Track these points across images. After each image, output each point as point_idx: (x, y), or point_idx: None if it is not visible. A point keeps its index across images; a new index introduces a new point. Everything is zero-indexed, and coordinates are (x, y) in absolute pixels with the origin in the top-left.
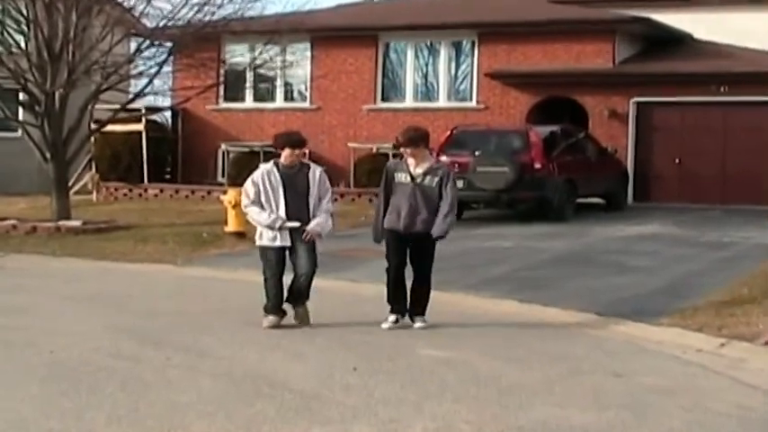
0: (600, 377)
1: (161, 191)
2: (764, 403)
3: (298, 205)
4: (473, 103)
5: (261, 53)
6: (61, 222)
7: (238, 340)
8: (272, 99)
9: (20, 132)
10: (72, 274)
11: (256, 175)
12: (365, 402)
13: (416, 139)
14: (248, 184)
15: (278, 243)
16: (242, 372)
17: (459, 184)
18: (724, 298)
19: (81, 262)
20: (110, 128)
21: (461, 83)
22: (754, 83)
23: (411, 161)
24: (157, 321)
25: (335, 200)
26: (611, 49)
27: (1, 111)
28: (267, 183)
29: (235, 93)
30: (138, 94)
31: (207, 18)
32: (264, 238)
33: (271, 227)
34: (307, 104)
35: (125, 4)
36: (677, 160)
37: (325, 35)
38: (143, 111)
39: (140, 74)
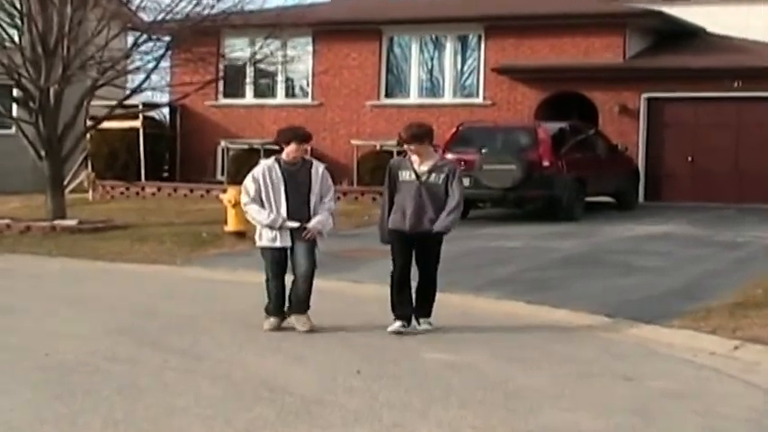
0: (610, 381)
1: (159, 189)
2: None
3: (299, 203)
4: (479, 99)
5: (261, 48)
6: (56, 222)
7: (238, 342)
8: (273, 95)
9: (14, 129)
10: (67, 275)
11: (257, 171)
12: (368, 407)
13: (420, 135)
14: (248, 180)
15: (278, 244)
16: (241, 375)
17: (466, 182)
18: (738, 299)
19: (76, 262)
20: (106, 125)
21: (467, 78)
22: None
23: (415, 158)
24: (155, 323)
25: (338, 198)
26: (622, 44)
27: None
28: (268, 179)
29: (234, 88)
30: (135, 90)
31: (206, 11)
32: (264, 238)
33: (271, 226)
34: (308, 100)
35: None
36: (690, 158)
37: (327, 29)
38: (140, 107)
39: (137, 69)
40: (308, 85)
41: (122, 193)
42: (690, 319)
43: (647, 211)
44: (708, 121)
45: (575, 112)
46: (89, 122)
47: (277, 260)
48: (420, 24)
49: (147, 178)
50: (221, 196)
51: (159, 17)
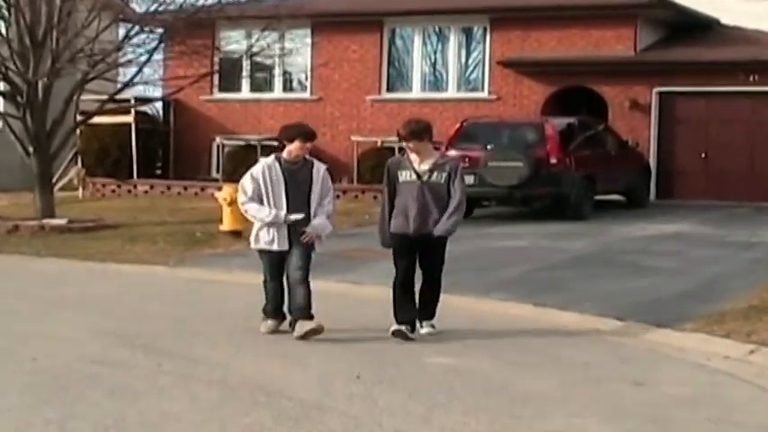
0: (619, 386)
1: (151, 187)
2: None
3: (299, 203)
4: (484, 94)
5: (258, 40)
6: (45, 220)
7: (234, 346)
8: (270, 89)
9: (0, 125)
10: (56, 276)
11: (256, 169)
12: (369, 412)
13: (420, 131)
14: (246, 179)
15: (275, 247)
16: (237, 379)
17: (470, 179)
18: (753, 302)
19: (66, 263)
20: (96, 120)
21: (472, 72)
22: None
23: (414, 157)
24: (148, 326)
25: (337, 196)
26: (633, 36)
27: None
28: (267, 178)
29: (230, 82)
30: (127, 84)
31: (200, 2)
32: (261, 241)
33: (274, 222)
34: (307, 95)
35: None
36: (703, 154)
37: (326, 20)
38: (132, 101)
39: (129, 62)
40: (306, 78)
41: (113, 190)
42: (703, 322)
43: (659, 209)
44: (722, 117)
45: (583, 107)
46: (79, 117)
47: (275, 263)
48: (423, 16)
49: (139, 175)
50: (216, 194)
51: (152, 8)
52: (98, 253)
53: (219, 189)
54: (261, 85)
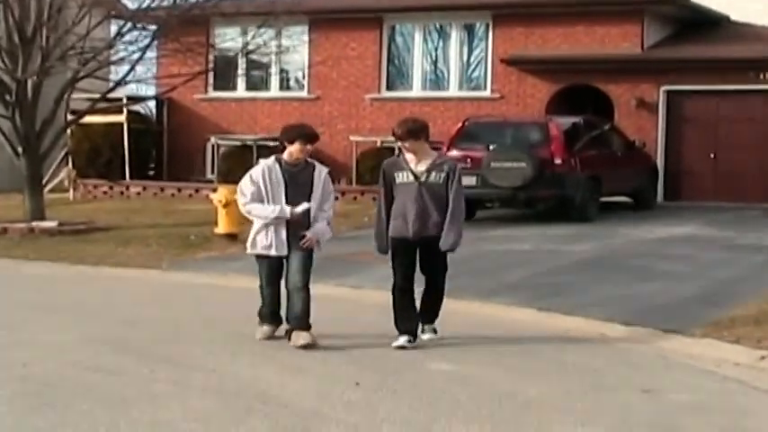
0: (626, 393)
1: (144, 188)
2: None
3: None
4: (487, 92)
5: (254, 37)
6: (35, 223)
7: (229, 352)
8: (267, 88)
9: None
10: (46, 280)
11: (255, 171)
12: (368, 421)
13: (416, 130)
14: (245, 181)
15: (273, 252)
16: (233, 387)
17: (472, 180)
18: (763, 306)
19: (56, 266)
20: (88, 119)
21: (474, 70)
22: None
23: (411, 157)
24: (140, 331)
25: (336, 198)
26: (640, 32)
27: None
28: (267, 180)
29: (225, 81)
30: (119, 83)
31: None
32: (258, 245)
33: (279, 218)
34: (304, 93)
35: None
36: (712, 154)
37: (324, 17)
38: (124, 100)
39: (121, 60)
40: (303, 77)
41: (105, 192)
42: (712, 327)
43: (666, 211)
44: (731, 116)
45: (589, 105)
46: (70, 117)
47: (273, 268)
48: (424, 12)
49: (131, 177)
50: (211, 196)
51: (145, 4)
52: (89, 256)
53: (214, 191)
54: (257, 83)
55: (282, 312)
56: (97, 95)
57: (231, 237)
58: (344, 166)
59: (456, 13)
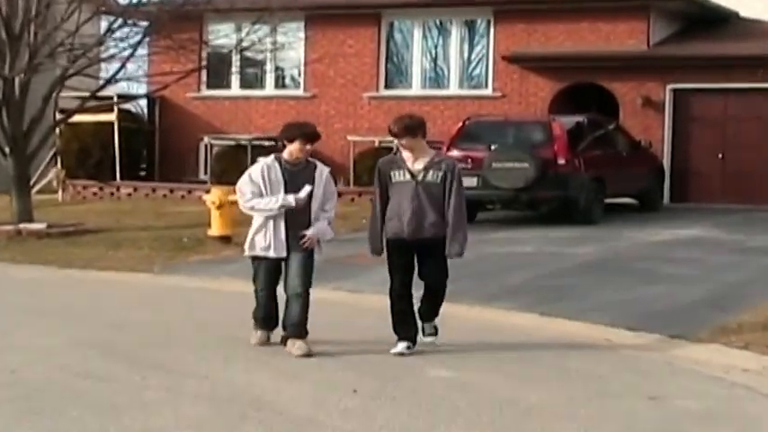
0: (631, 400)
1: (135, 190)
2: None
3: (299, 207)
4: (488, 91)
5: (248, 34)
6: (22, 225)
7: (222, 357)
8: (261, 86)
9: None
10: (34, 284)
11: (255, 171)
12: (366, 429)
13: (413, 127)
14: (245, 180)
15: (272, 254)
16: (226, 393)
17: (473, 181)
18: None
19: (45, 270)
20: (77, 118)
21: (475, 67)
22: None
23: (407, 155)
24: (131, 336)
25: None
26: (646, 29)
27: None
28: (267, 180)
29: (219, 79)
30: (110, 81)
31: None
32: (257, 247)
33: (283, 208)
34: (300, 92)
35: None
36: (720, 155)
37: (321, 13)
38: (115, 99)
39: (112, 57)
40: (299, 74)
41: (95, 193)
42: (720, 332)
43: (673, 213)
44: (740, 115)
45: (593, 104)
46: (58, 116)
47: (271, 271)
48: (423, 8)
49: (122, 177)
50: (204, 197)
51: (135, 0)
52: (79, 259)
53: (207, 192)
54: (251, 81)
55: (279, 313)
56: (87, 94)
57: (225, 239)
58: (341, 166)
59: (456, 9)
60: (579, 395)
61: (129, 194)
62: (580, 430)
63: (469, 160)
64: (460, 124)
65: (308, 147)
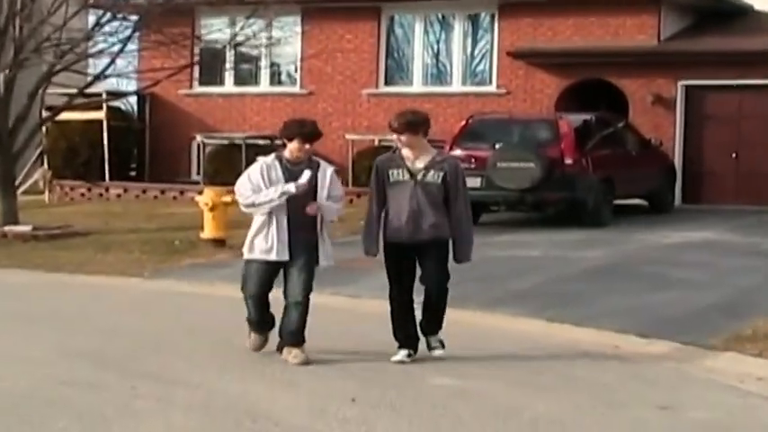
0: (641, 410)
1: (125, 190)
2: None
3: (301, 209)
4: (492, 88)
5: (243, 28)
6: (7, 227)
7: (216, 365)
8: (256, 82)
9: None
10: (20, 289)
11: (254, 171)
12: None
13: (416, 124)
14: (243, 181)
15: (273, 257)
16: (220, 402)
17: (477, 182)
18: None
19: (31, 274)
20: (64, 116)
21: (479, 63)
22: None
23: (407, 153)
24: (121, 344)
25: None
26: (656, 24)
27: None
28: (267, 180)
29: (212, 75)
30: (98, 77)
31: None
32: (257, 249)
33: (285, 194)
34: (296, 89)
35: None
36: (733, 154)
37: (318, 7)
38: (104, 96)
39: (101, 52)
40: (296, 71)
41: (83, 194)
42: (734, 339)
43: (685, 215)
44: (755, 113)
45: (602, 102)
46: (45, 113)
47: (268, 275)
48: (425, 2)
49: (111, 178)
50: (197, 198)
51: None
52: (66, 263)
53: (200, 193)
54: (246, 78)
55: (274, 319)
56: (74, 90)
57: (218, 242)
58: (340, 166)
59: (459, 3)
60: (586, 404)
61: (119, 195)
62: None
63: (473, 160)
64: (463, 122)
65: (308, 146)
